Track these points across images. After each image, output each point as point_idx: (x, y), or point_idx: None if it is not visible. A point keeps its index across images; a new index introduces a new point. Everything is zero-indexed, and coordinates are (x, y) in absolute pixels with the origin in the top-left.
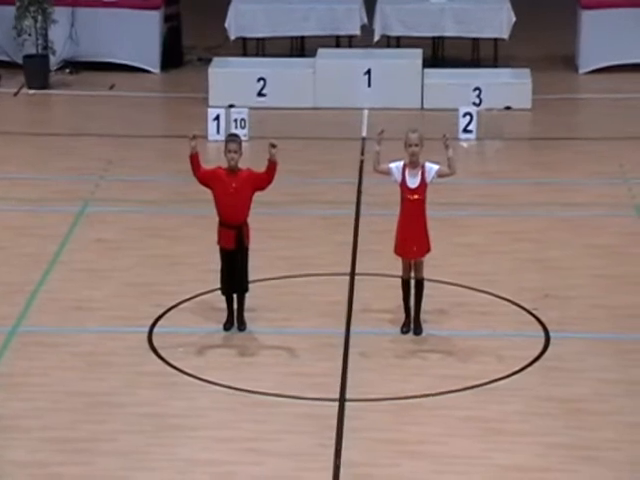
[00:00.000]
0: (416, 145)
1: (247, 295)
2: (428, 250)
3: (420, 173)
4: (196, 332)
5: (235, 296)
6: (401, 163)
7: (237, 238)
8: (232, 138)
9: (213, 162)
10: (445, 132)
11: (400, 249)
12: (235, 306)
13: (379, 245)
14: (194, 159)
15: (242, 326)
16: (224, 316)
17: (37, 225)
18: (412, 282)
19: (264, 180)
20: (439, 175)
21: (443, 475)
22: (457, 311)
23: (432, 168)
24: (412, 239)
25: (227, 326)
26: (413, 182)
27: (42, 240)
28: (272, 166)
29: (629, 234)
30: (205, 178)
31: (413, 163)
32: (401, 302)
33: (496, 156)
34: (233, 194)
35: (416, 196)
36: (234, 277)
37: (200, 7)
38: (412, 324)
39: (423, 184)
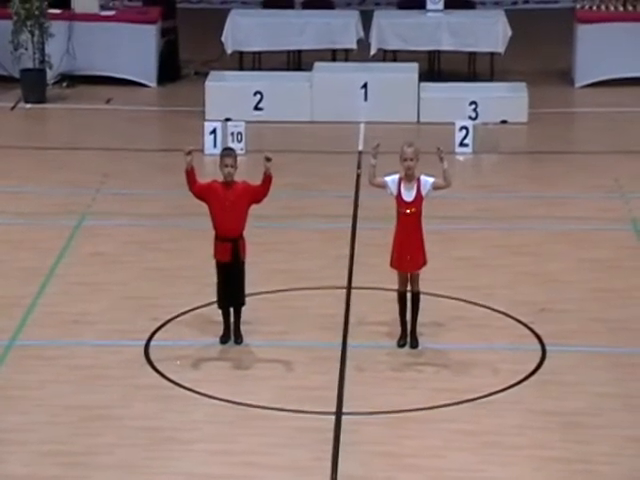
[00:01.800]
0: (411, 159)
1: (244, 308)
2: (424, 263)
3: (416, 186)
4: (193, 345)
5: (232, 309)
6: (397, 176)
7: (233, 251)
8: (227, 152)
9: (210, 176)
10: (441, 146)
11: (396, 262)
12: (232, 319)
13: (375, 258)
14: (190, 174)
15: (239, 339)
16: (221, 329)
17: (34, 238)
18: (408, 295)
19: (260, 193)
20: (435, 188)
21: None
22: (454, 324)
23: (428, 181)
24: (408, 252)
25: (224, 339)
26: (409, 195)
27: (39, 253)
28: (267, 179)
29: (626, 248)
30: (201, 192)
31: (409, 177)
32: (397, 315)
33: (492, 170)
34: (229, 207)
35: (412, 209)
36: (230, 291)
37: (197, 21)
38: (408, 337)
39: (419, 197)
